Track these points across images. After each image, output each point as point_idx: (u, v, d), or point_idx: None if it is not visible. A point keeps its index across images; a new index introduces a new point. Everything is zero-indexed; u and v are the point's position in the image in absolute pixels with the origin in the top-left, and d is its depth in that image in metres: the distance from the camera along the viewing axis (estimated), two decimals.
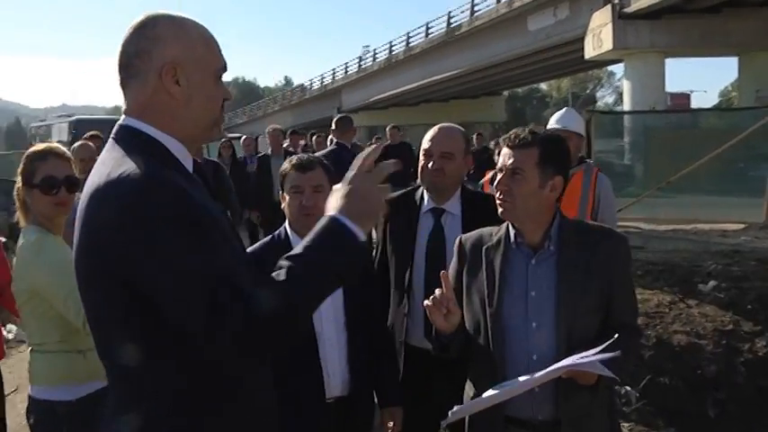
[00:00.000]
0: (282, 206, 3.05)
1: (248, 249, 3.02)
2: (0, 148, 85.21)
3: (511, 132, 2.66)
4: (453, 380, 2.91)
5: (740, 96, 32.59)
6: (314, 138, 14.34)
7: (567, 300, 2.54)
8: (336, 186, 1.79)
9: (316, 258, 1.66)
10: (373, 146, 1.91)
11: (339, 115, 8.34)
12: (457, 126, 3.64)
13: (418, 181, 3.56)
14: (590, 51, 29.00)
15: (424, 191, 3.53)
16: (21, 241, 3.12)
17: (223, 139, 12.27)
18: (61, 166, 3.14)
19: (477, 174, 8.82)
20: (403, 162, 8.75)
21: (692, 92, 61.57)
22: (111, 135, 1.83)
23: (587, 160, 5.20)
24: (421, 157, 3.48)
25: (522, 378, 2.42)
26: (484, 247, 2.72)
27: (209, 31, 1.91)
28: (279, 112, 76.27)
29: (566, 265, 2.58)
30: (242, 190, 9.91)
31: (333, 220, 1.70)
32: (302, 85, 79.83)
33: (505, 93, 68.73)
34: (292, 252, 1.68)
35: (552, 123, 5.05)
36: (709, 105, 69.23)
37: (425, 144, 3.47)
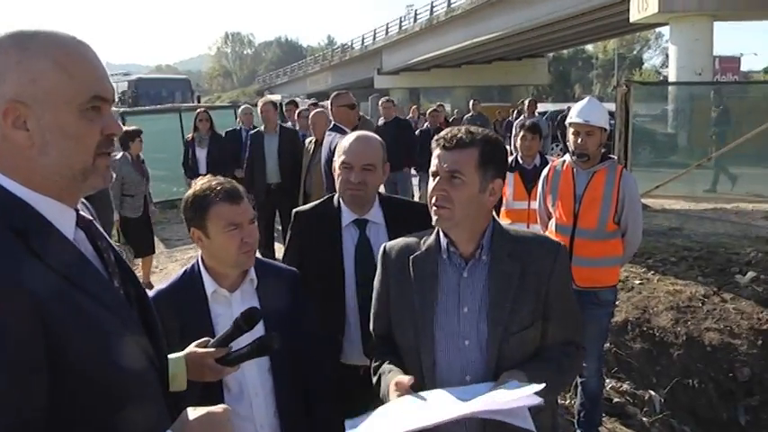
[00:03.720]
0: (196, 241, 2.67)
1: (160, 288, 2.74)
2: None
3: (445, 132, 2.43)
4: None
5: None
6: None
7: (497, 316, 2.36)
8: (192, 414, 1.60)
9: None
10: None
11: (337, 91, 7.42)
12: (373, 134, 3.43)
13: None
14: (635, 14, 28.01)
15: (341, 202, 3.30)
16: None
17: (199, 110, 11.11)
18: None
19: None
20: (399, 142, 7.88)
21: (741, 55, 59.55)
22: None
23: (611, 156, 4.81)
24: (337, 169, 3.24)
25: (441, 404, 2.20)
26: (411, 257, 2.51)
27: (78, 49, 1.49)
28: (319, 73, 76.05)
29: (498, 277, 2.40)
30: (221, 167, 8.25)
31: None
32: (344, 45, 79.22)
33: (550, 54, 67.39)
34: None
35: (573, 117, 4.67)
36: (760, 68, 67.25)
37: (343, 156, 3.22)
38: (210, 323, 2.61)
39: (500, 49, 50.03)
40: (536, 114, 16.45)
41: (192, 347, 2.20)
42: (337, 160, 3.27)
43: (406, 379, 2.29)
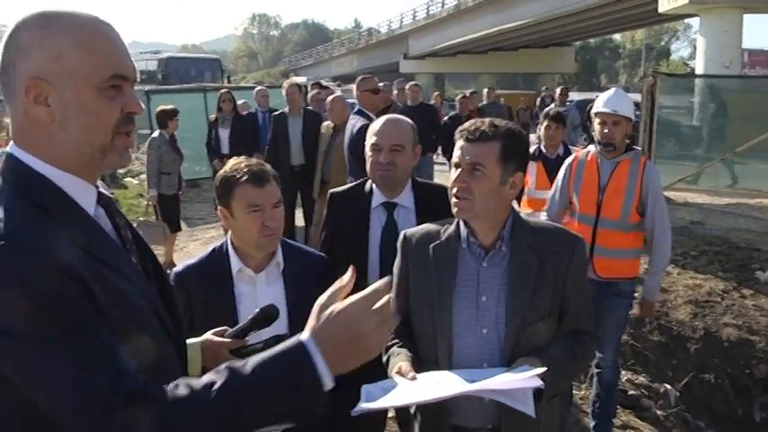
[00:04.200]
0: (222, 219, 2.74)
1: (188, 263, 2.81)
2: None
3: (468, 124, 2.47)
4: None
5: None
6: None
7: (517, 306, 2.41)
8: (328, 308, 1.42)
9: (256, 390, 1.36)
10: (384, 280, 1.47)
11: (362, 76, 7.34)
12: (403, 117, 3.48)
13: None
14: (664, 4, 27.73)
15: (373, 185, 3.37)
16: None
17: (222, 90, 11.13)
18: None
19: None
20: (424, 127, 7.74)
21: None
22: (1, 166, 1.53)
23: (635, 147, 4.80)
24: (368, 151, 3.31)
25: (450, 381, 2.25)
26: (431, 245, 2.55)
27: (99, 28, 1.51)
28: (345, 56, 75.91)
29: (517, 267, 2.44)
30: (243, 149, 7.93)
31: (302, 349, 1.38)
32: (370, 28, 78.94)
33: (577, 43, 66.84)
34: (236, 365, 1.39)
35: (600, 106, 4.65)
36: None
37: (372, 138, 3.29)
38: (234, 301, 2.66)
39: (528, 37, 49.68)
40: (567, 104, 16.27)
41: (208, 335, 2.18)
42: (368, 143, 3.32)
43: (409, 375, 2.30)
